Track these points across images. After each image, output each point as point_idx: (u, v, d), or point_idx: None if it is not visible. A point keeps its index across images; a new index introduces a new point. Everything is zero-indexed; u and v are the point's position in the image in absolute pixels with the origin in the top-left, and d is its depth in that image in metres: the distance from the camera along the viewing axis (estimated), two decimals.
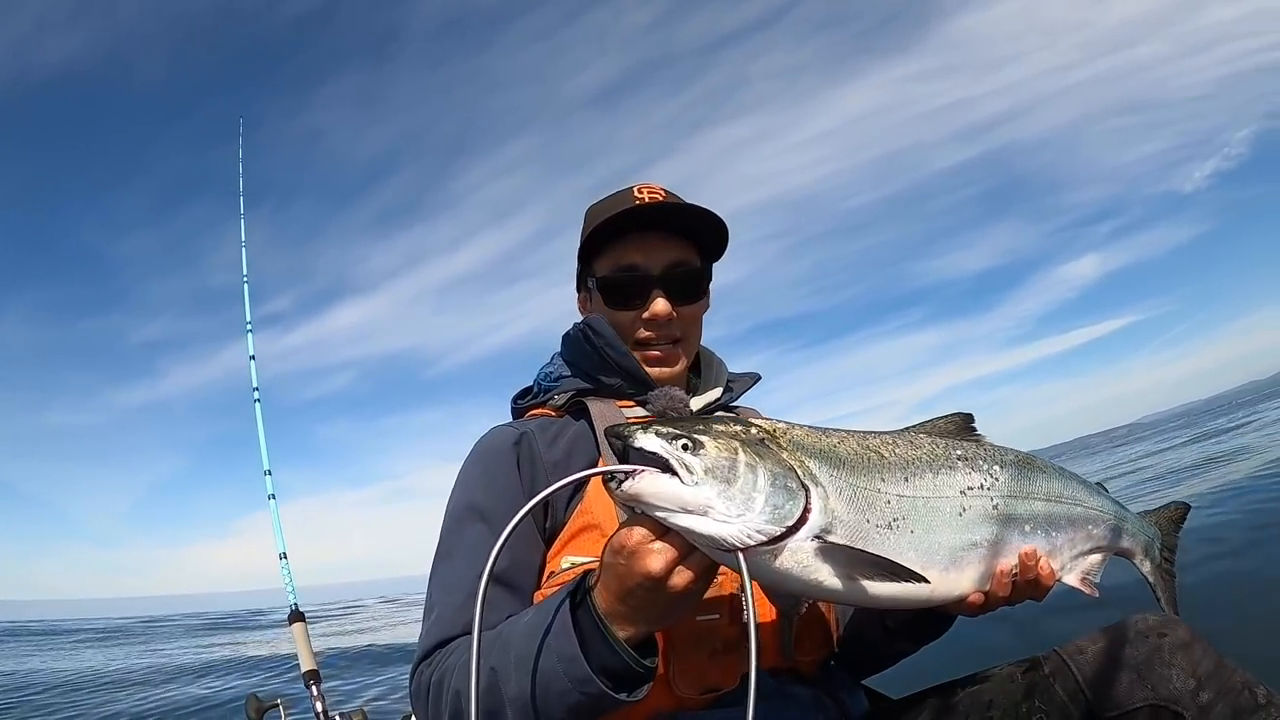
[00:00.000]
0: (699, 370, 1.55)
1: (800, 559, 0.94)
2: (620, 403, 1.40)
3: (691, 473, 0.90)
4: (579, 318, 1.52)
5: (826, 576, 0.95)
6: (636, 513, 0.95)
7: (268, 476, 2.82)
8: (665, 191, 1.45)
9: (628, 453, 0.94)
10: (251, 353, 3.06)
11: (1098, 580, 1.25)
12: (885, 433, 1.12)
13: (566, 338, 1.50)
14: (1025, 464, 1.19)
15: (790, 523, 0.93)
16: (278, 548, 2.75)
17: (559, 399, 1.44)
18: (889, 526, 1.00)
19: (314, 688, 2.34)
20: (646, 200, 1.40)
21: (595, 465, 1.30)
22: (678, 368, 1.45)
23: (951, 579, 1.05)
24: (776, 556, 0.93)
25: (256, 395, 2.97)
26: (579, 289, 1.55)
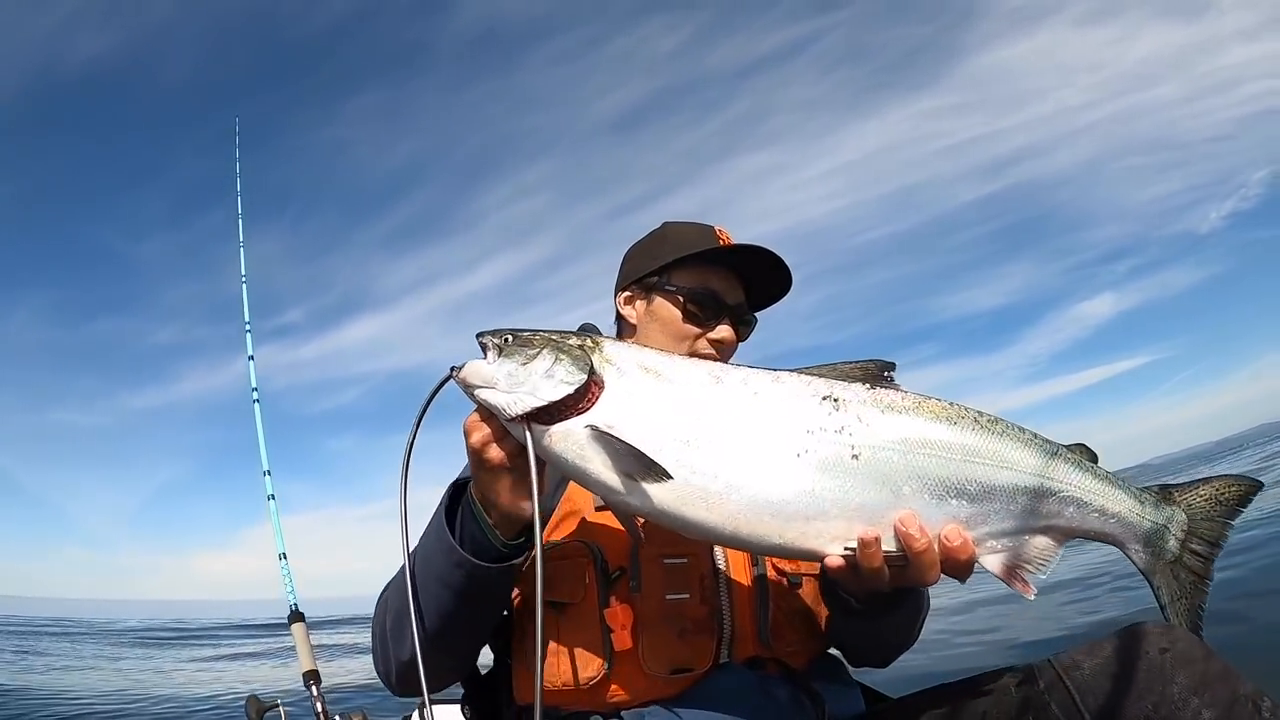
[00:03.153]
0: None
1: (574, 443, 1.01)
2: None
3: (498, 352, 1.06)
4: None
5: (600, 468, 1.00)
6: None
7: (267, 477, 2.79)
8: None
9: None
10: (250, 353, 3.03)
11: (1043, 573, 1.05)
12: (761, 368, 1.07)
13: None
14: (930, 414, 1.02)
15: (555, 398, 1.00)
16: (277, 548, 2.72)
17: None
18: (686, 444, 1.00)
19: (314, 688, 2.33)
20: (733, 243, 1.51)
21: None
22: None
23: (798, 528, 0.98)
24: (554, 437, 1.01)
25: (255, 396, 2.95)
26: (630, 289, 1.57)
